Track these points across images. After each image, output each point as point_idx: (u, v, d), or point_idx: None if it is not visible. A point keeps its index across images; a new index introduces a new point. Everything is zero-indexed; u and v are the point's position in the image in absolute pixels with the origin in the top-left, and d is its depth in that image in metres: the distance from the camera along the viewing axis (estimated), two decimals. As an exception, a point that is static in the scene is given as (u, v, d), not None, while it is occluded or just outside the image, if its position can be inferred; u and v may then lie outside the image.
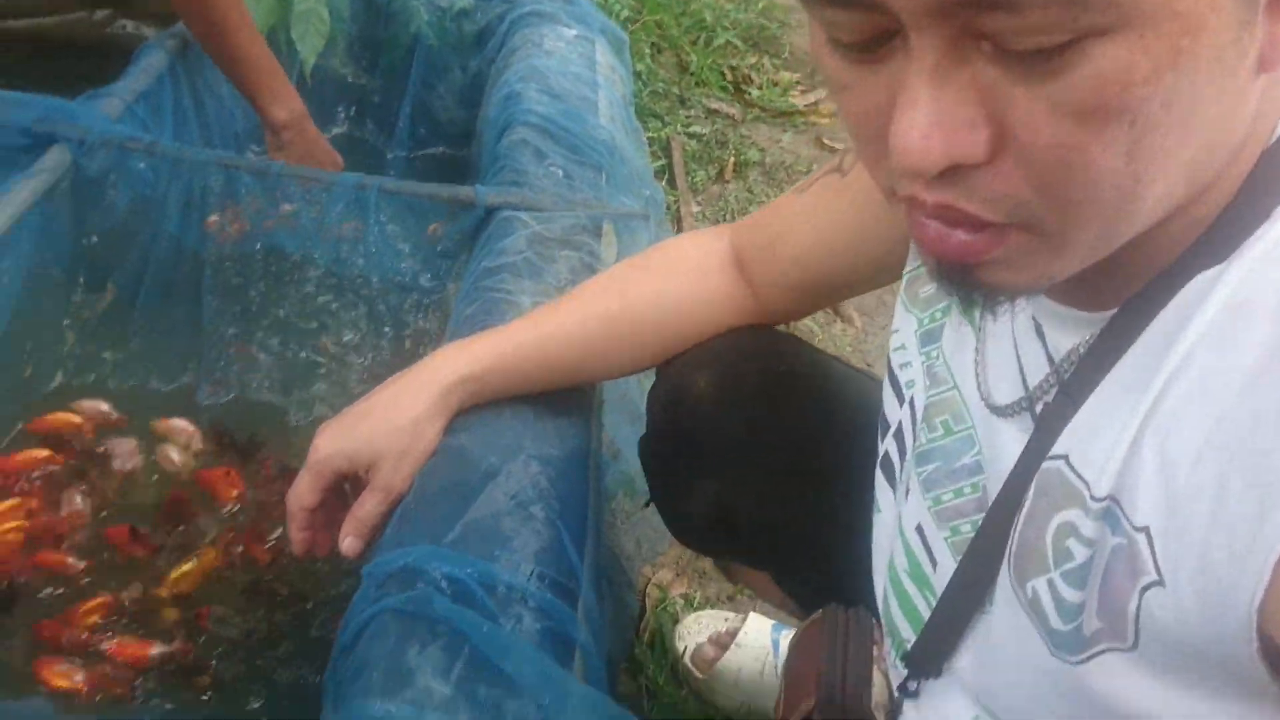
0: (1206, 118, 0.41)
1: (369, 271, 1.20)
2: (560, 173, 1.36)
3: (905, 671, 0.69)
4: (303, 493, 0.86)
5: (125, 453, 1.10)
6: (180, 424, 1.17)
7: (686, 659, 1.29)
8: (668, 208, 2.15)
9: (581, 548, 0.84)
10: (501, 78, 1.62)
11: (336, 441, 0.85)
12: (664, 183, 2.30)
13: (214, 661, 0.98)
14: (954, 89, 0.39)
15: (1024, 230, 0.44)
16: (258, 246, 1.21)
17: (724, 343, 0.92)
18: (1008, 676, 0.60)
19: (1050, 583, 0.53)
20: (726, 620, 1.32)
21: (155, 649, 0.96)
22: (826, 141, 2.73)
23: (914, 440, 0.70)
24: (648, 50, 2.87)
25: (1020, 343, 0.59)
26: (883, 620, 0.74)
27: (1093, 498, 0.50)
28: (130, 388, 1.20)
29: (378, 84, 1.78)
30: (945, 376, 0.67)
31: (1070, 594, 0.51)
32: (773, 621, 1.31)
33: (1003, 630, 0.59)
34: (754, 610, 1.35)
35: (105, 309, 1.21)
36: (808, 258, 0.87)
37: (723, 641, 1.30)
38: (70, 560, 1.02)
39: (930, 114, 0.40)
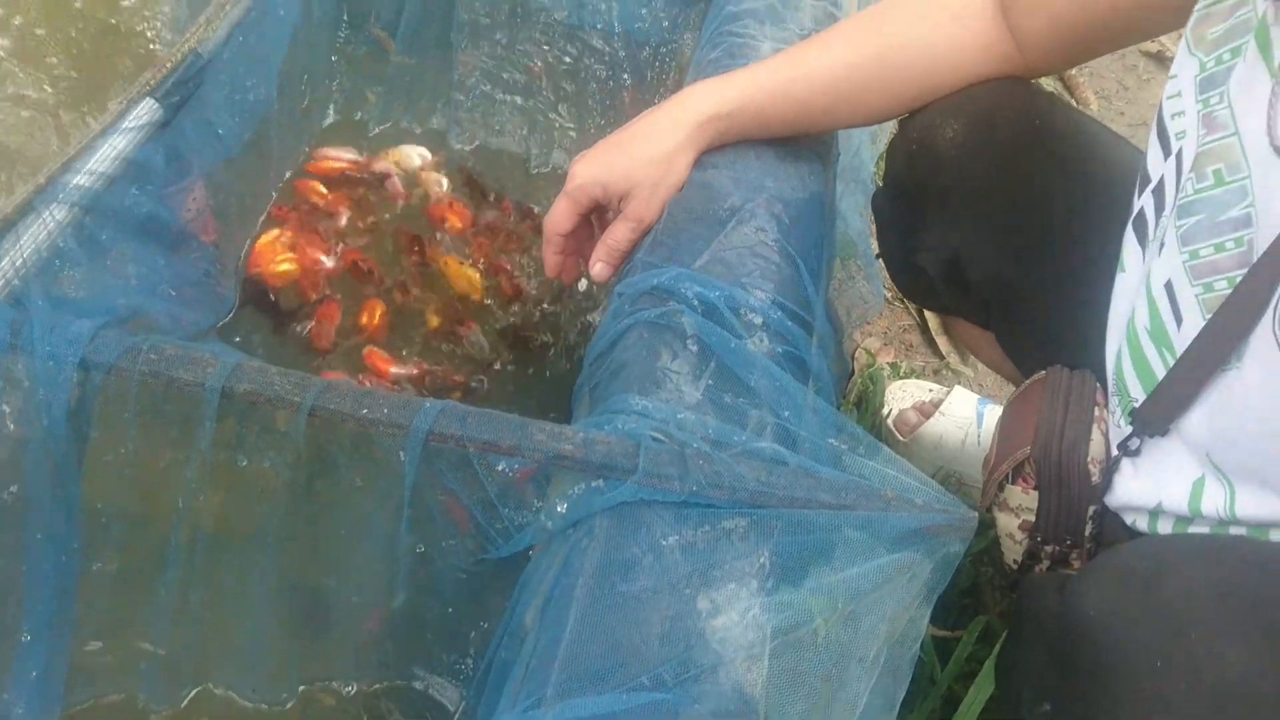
0: None
1: (610, 19, 1.21)
2: (805, -81, 1.30)
3: (1129, 429, 0.70)
4: (559, 218, 0.92)
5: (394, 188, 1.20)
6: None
7: (890, 421, 1.34)
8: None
9: (818, 282, 0.87)
10: None
11: (593, 170, 0.90)
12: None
13: (470, 382, 1.10)
14: None
15: None
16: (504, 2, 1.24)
17: (977, 92, 0.90)
18: (1250, 434, 0.60)
19: None
20: (931, 390, 1.35)
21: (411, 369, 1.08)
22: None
23: (1177, 193, 0.68)
24: None
25: None
26: (1112, 380, 0.75)
27: None
28: (387, 130, 1.28)
29: None
30: (1226, 121, 0.64)
31: None
32: (978, 396, 1.33)
33: (1252, 386, 0.58)
34: (959, 385, 1.37)
35: (365, 48, 1.28)
36: (1081, 4, 0.82)
37: (926, 410, 1.33)
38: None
39: None
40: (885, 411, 1.35)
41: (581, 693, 0.53)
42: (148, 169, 0.90)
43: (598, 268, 0.92)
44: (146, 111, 0.88)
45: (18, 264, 0.74)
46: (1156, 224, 0.71)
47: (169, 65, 0.90)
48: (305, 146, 1.25)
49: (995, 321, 0.99)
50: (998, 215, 0.90)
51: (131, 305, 0.81)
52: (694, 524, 0.64)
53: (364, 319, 1.11)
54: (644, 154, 0.89)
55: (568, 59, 1.24)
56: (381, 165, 1.24)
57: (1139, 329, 0.71)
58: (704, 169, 0.92)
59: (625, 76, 1.23)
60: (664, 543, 0.62)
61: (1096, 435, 0.75)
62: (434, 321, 1.13)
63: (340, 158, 1.23)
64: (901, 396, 1.36)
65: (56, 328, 0.70)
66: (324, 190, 1.20)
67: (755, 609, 0.59)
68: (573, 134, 1.27)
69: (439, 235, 1.19)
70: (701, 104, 0.90)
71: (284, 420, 0.70)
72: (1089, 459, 0.74)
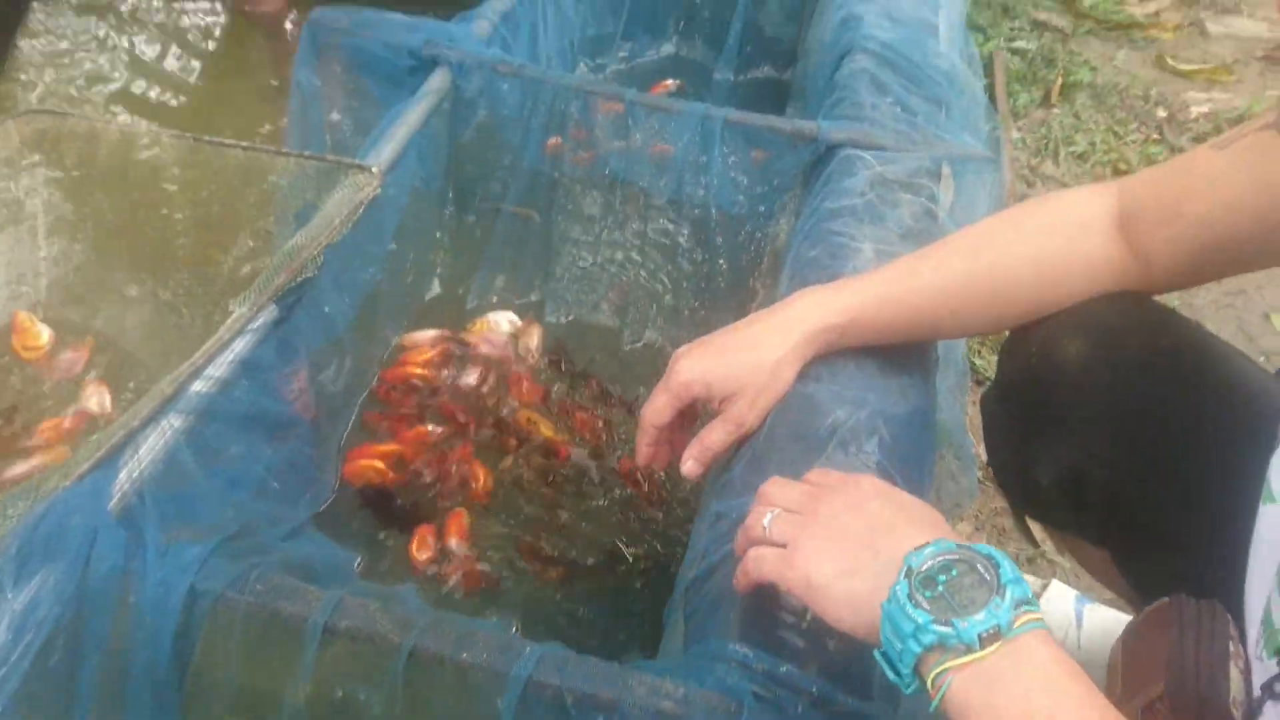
0: None
1: (708, 202, 1.24)
2: (899, 108, 1.32)
3: (1277, 669, 0.66)
4: (659, 409, 0.90)
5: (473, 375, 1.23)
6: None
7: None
8: (987, 133, 2.05)
9: (922, 498, 0.85)
10: (837, -4, 1.58)
11: (699, 369, 0.88)
12: (985, 104, 2.17)
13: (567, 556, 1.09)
14: None
15: None
16: (606, 172, 1.27)
17: (1101, 307, 0.88)
18: None
19: None
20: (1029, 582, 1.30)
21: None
22: (1170, 60, 2.47)
23: None
24: (974, -48, 2.68)
25: None
26: (1261, 614, 0.71)
27: None
28: (489, 302, 1.31)
29: (708, -1, 1.78)
30: None
31: None
32: (1075, 592, 1.28)
33: None
34: (1055, 578, 1.32)
35: (470, 224, 1.32)
36: (1221, 218, 0.81)
37: (1021, 605, 1.28)
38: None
39: None
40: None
41: None
42: (260, 364, 0.92)
43: (689, 465, 0.91)
44: (267, 313, 0.91)
45: (134, 476, 0.76)
46: None
47: (296, 267, 0.93)
48: (406, 321, 1.28)
49: (1112, 540, 0.95)
50: (1122, 436, 0.88)
51: (238, 510, 0.82)
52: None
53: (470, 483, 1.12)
54: (750, 359, 0.88)
55: (665, 239, 1.27)
56: (471, 339, 1.27)
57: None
58: (805, 380, 0.92)
59: (720, 261, 1.25)
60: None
61: (1234, 673, 0.71)
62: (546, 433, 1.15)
63: (423, 349, 1.25)
64: (994, 585, 1.31)
65: (169, 552, 0.71)
66: (417, 377, 1.22)
67: None
68: (666, 313, 1.28)
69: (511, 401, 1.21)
70: (813, 314, 0.90)
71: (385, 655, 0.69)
72: (1230, 699, 0.70)
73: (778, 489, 0.72)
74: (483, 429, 1.17)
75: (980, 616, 0.56)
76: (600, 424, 1.18)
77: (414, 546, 1.08)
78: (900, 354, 0.96)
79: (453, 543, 1.08)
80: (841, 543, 0.65)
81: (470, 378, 1.24)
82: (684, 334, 1.28)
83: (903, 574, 0.60)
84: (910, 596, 0.58)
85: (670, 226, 1.26)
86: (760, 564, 0.68)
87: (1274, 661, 0.66)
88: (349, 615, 0.69)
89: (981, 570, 0.59)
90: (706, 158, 1.24)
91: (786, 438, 0.88)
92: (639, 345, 1.29)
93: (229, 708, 0.73)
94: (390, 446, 1.11)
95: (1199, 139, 2.18)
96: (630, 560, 1.07)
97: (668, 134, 1.26)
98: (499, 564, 1.06)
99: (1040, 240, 0.89)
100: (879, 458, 0.86)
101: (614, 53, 1.70)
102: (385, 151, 1.13)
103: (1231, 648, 0.72)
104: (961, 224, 1.30)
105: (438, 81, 1.23)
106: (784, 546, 0.68)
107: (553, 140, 1.31)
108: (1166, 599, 0.77)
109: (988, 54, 2.34)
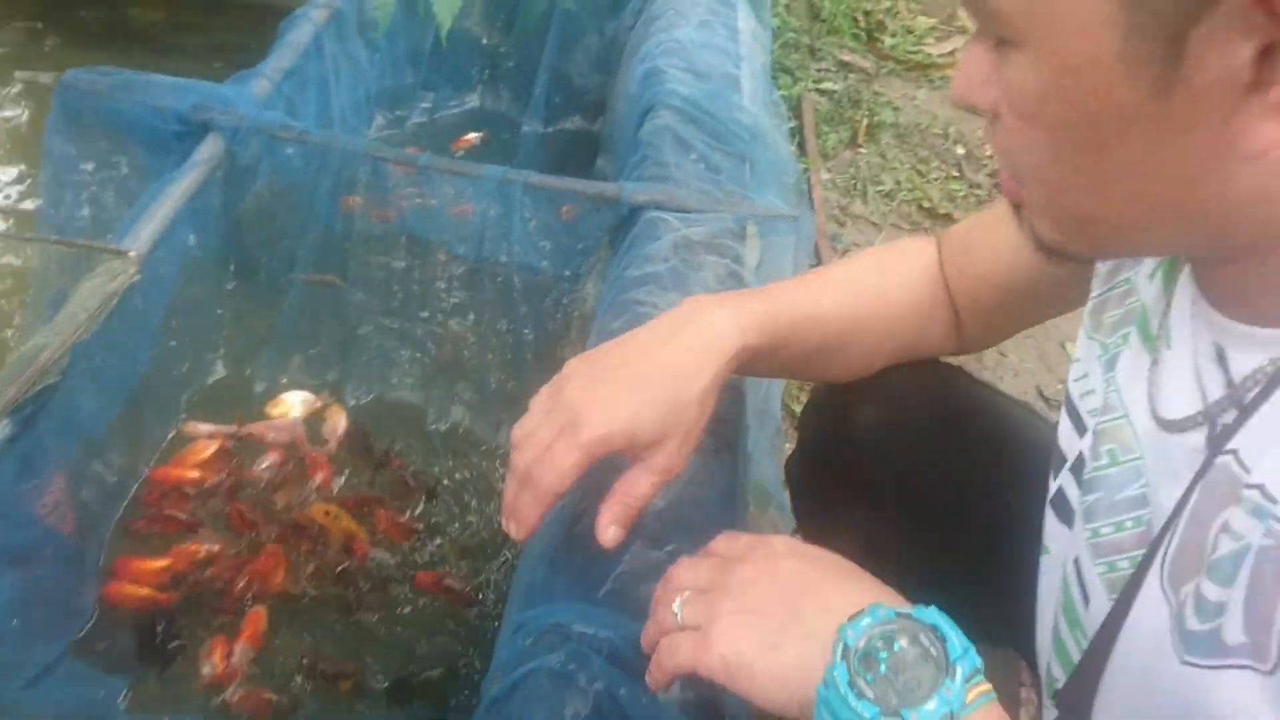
0: (1136, 167, 0.47)
1: (511, 267, 1.19)
2: (703, 165, 1.31)
3: (1055, 713, 0.67)
4: (565, 472, 0.71)
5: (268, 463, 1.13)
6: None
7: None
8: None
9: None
10: (642, 48, 1.56)
11: (618, 416, 0.72)
12: (794, 147, 2.22)
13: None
14: (974, 53, 0.52)
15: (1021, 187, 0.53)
16: (402, 239, 1.21)
17: (892, 373, 0.88)
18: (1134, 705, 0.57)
19: (1198, 582, 0.50)
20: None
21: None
22: (965, 100, 2.59)
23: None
24: (780, -4, 2.75)
25: (1201, 367, 0.56)
26: (1045, 662, 0.72)
27: (1245, 485, 0.48)
28: (279, 384, 1.22)
29: (513, 48, 1.74)
30: (1116, 404, 0.64)
31: (1214, 591, 0.49)
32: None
33: (1139, 650, 0.56)
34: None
35: (256, 298, 1.22)
36: (995, 274, 0.82)
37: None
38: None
39: (961, 66, 0.53)
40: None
41: None
42: (-10, 489, 0.81)
43: (611, 531, 0.73)
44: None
45: None
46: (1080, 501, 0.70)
47: (33, 375, 0.83)
48: (183, 414, 1.17)
49: (913, 600, 0.96)
50: (913, 499, 0.89)
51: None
52: None
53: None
54: (673, 395, 0.72)
55: (470, 313, 1.21)
56: (257, 429, 1.17)
57: (1058, 609, 0.68)
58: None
59: (526, 330, 1.20)
60: None
61: (1023, 718, 0.72)
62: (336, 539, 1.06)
63: (198, 447, 1.15)
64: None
65: None
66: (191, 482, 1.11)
67: None
68: (473, 387, 1.22)
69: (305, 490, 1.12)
70: (726, 330, 0.76)
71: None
72: None
73: (684, 570, 0.65)
74: (270, 532, 1.07)
75: (932, 706, 0.50)
76: (402, 521, 1.11)
77: (201, 661, 0.98)
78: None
79: (238, 650, 0.98)
80: (760, 613, 0.58)
81: (263, 465, 1.14)
82: (491, 409, 1.22)
83: (839, 653, 0.52)
84: (851, 683, 0.51)
85: (473, 293, 1.21)
86: (674, 654, 0.60)
87: (1052, 704, 0.67)
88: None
89: (926, 643, 0.52)
90: (508, 222, 1.20)
91: (585, 537, 0.84)
92: (446, 425, 1.22)
93: None
94: (161, 563, 1.00)
95: (993, 175, 2.30)
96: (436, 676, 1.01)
97: (467, 195, 1.20)
98: (293, 683, 0.98)
99: (903, 283, 0.85)
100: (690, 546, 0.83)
101: (415, 104, 1.63)
102: (147, 229, 1.03)
103: (1024, 694, 0.73)
104: (767, 282, 1.30)
105: (209, 150, 1.14)
106: (695, 627, 0.60)
107: (349, 198, 1.23)
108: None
109: (796, 96, 2.40)
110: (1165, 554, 0.54)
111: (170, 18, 1.60)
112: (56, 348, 0.87)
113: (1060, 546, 0.71)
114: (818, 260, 1.90)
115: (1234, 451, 0.51)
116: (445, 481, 1.17)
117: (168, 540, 1.04)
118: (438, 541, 1.11)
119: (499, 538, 1.12)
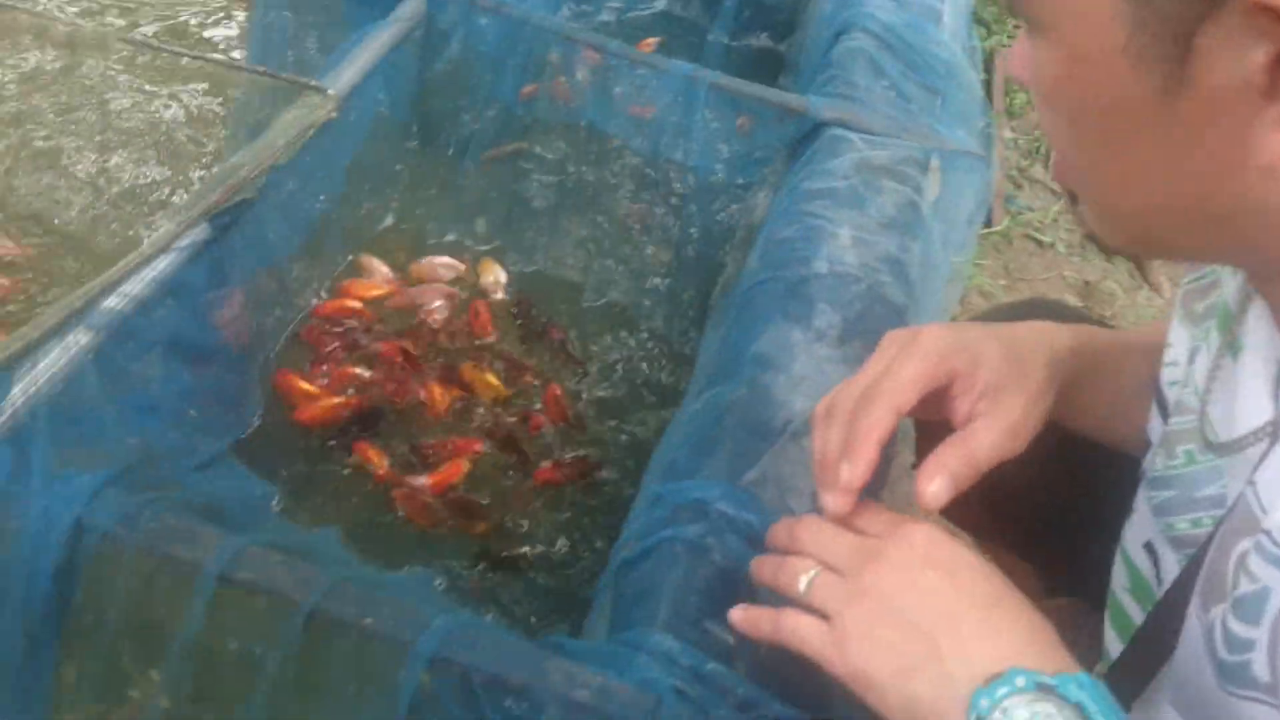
0: (1151, 167, 0.47)
1: (686, 167, 1.18)
2: (894, 93, 1.27)
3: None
4: (904, 386, 0.61)
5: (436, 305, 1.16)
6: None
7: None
8: (979, 130, 2.01)
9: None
10: (843, -31, 1.52)
11: (958, 338, 0.65)
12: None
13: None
14: (1024, 35, 0.51)
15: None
16: (582, 122, 1.21)
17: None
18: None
19: (1224, 612, 0.50)
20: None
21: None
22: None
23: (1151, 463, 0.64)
24: (985, -59, 2.62)
25: (1265, 385, 0.54)
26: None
27: (1262, 529, 0.47)
28: (448, 242, 1.25)
29: (709, -45, 1.71)
30: (1192, 403, 0.61)
31: (1240, 628, 0.48)
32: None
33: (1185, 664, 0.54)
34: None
35: (435, 161, 1.25)
36: None
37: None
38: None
39: (1018, 40, 0.53)
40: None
41: None
42: (186, 287, 0.86)
43: (935, 485, 0.60)
44: (197, 232, 0.84)
45: (30, 393, 0.70)
46: None
47: (233, 186, 0.87)
48: (354, 252, 1.21)
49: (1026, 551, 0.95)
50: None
51: (146, 440, 0.76)
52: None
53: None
54: (1018, 350, 0.66)
55: (637, 199, 1.21)
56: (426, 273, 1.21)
57: (1117, 588, 0.67)
58: (758, 366, 0.88)
59: (692, 229, 1.20)
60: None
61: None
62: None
63: (372, 285, 1.18)
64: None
65: (57, 480, 0.65)
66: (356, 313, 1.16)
67: None
68: (632, 274, 1.23)
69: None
70: (1060, 336, 0.70)
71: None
72: None
73: (815, 537, 0.60)
74: (432, 371, 1.11)
75: None
76: (565, 401, 1.12)
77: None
78: (864, 338, 0.92)
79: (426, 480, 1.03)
80: (897, 631, 0.54)
81: (433, 304, 1.17)
82: (648, 298, 1.22)
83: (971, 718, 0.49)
84: None
85: (644, 192, 1.20)
86: (799, 634, 0.57)
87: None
88: (248, 566, 0.64)
89: None
90: (688, 121, 1.19)
91: (736, 425, 0.84)
92: (600, 303, 1.23)
93: (112, 651, 0.68)
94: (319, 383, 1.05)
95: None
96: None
97: (650, 92, 1.20)
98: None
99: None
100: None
101: (604, 1, 1.62)
102: (346, 75, 1.06)
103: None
104: (945, 220, 1.26)
105: (411, 8, 1.16)
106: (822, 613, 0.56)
107: (528, 88, 1.24)
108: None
109: (989, 49, 2.29)
110: (1201, 574, 0.53)
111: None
112: (254, 166, 0.91)
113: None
114: (990, 219, 1.83)
115: (1254, 484, 0.50)
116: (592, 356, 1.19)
117: (328, 362, 1.09)
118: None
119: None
